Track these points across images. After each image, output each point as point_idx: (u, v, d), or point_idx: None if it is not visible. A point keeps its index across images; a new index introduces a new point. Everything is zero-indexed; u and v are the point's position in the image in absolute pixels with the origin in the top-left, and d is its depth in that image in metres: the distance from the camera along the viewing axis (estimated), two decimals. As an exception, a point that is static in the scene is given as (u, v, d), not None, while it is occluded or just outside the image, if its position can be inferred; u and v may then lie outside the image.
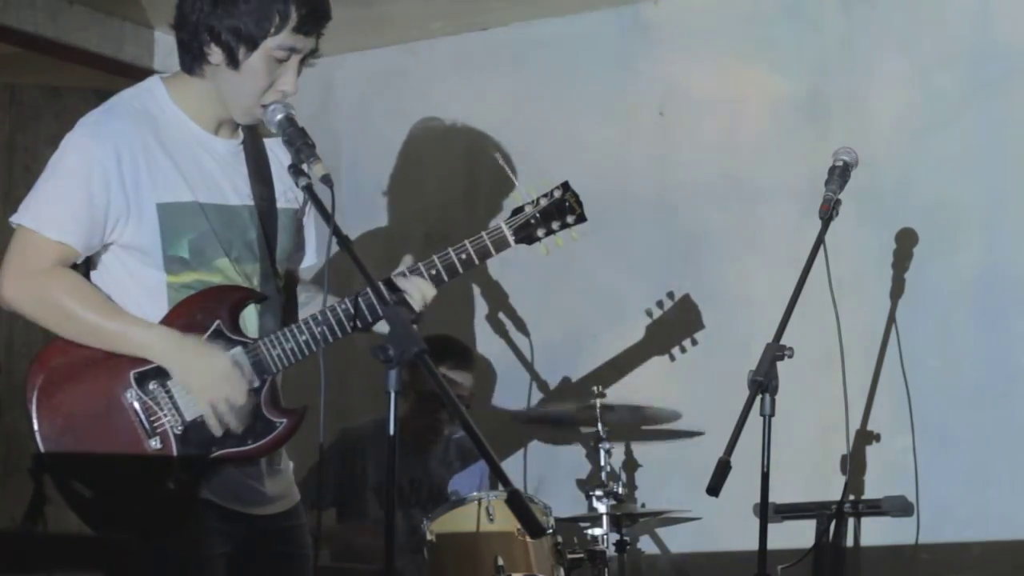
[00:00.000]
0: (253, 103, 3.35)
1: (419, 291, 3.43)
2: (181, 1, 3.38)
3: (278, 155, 3.49)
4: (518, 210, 3.58)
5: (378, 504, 5.22)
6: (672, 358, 5.58)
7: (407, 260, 3.56)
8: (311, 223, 3.62)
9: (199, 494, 3.31)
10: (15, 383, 5.85)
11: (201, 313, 3.32)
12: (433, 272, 3.46)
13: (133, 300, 3.34)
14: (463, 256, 3.49)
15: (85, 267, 3.38)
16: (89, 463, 3.23)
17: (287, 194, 3.50)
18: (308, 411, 3.37)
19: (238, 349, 3.33)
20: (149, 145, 3.32)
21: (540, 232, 3.58)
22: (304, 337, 3.35)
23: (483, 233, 3.53)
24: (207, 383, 3.27)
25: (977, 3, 5.40)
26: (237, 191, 3.42)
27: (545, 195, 3.60)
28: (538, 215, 3.57)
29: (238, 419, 3.30)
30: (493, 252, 3.54)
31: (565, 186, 3.63)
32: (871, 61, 5.52)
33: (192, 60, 3.37)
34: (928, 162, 5.40)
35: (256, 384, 3.34)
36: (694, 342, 5.57)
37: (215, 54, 3.32)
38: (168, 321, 3.32)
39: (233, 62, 3.32)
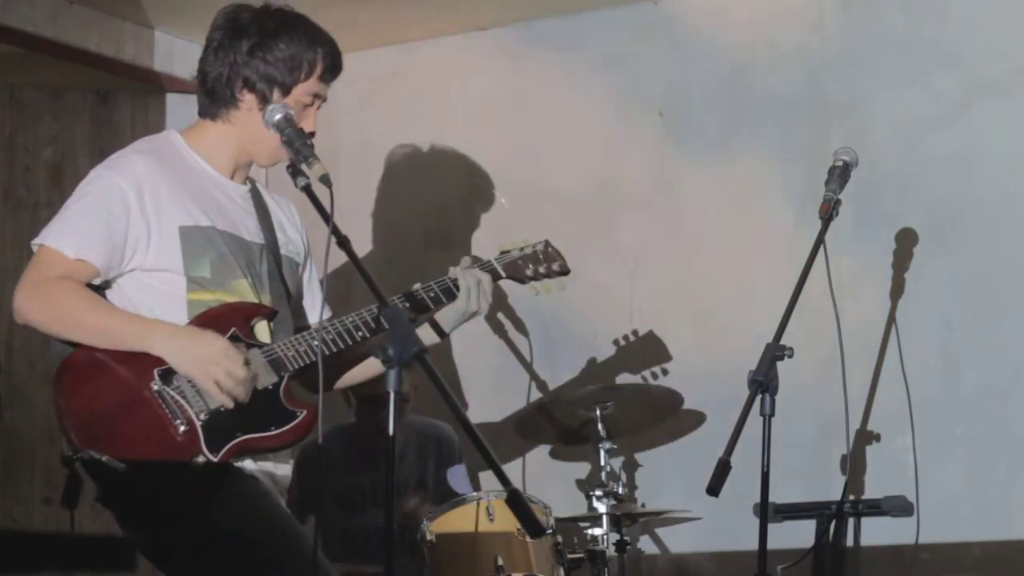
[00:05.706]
0: (279, 145, 3.49)
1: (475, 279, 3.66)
2: (210, 52, 3.55)
3: (281, 205, 3.71)
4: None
5: (340, 512, 5.22)
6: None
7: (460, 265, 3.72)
8: (314, 281, 3.74)
9: (229, 471, 3.39)
10: (15, 383, 5.84)
11: (217, 323, 3.42)
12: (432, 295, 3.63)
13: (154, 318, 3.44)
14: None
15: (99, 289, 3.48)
16: (120, 452, 3.29)
17: (288, 245, 3.67)
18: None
19: (254, 351, 3.43)
20: (168, 178, 3.48)
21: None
22: (316, 342, 3.45)
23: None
24: (205, 358, 3.35)
25: (977, 3, 5.40)
26: (248, 229, 3.57)
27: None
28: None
29: (245, 390, 3.37)
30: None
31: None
32: (871, 61, 5.51)
33: (219, 106, 3.55)
34: (928, 162, 5.39)
35: (275, 379, 3.43)
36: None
37: (247, 100, 3.51)
38: None
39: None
